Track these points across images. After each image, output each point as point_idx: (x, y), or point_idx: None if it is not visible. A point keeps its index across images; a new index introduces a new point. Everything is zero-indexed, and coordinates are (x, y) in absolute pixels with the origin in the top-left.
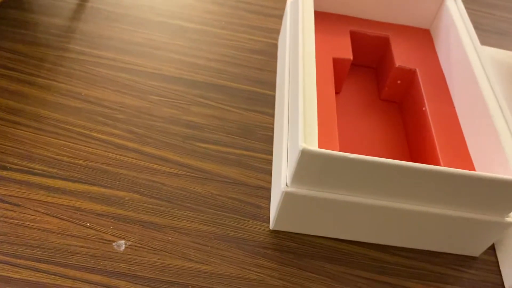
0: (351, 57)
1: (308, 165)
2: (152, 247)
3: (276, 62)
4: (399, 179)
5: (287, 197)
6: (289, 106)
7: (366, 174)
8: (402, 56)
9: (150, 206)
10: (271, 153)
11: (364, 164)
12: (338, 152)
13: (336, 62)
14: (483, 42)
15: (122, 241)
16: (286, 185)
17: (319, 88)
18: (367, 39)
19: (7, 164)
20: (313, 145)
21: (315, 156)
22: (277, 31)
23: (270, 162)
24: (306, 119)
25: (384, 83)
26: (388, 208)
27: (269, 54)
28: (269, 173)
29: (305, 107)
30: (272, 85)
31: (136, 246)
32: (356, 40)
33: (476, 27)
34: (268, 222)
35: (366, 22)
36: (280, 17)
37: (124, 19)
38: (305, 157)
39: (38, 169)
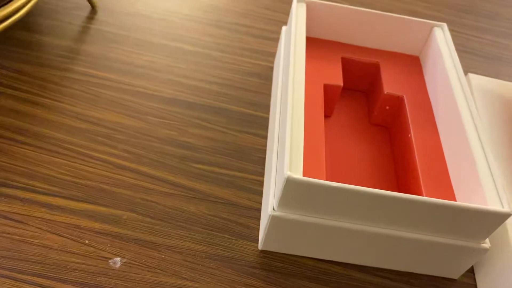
0: (342, 84)
1: (293, 191)
2: (146, 265)
3: (271, 84)
4: (380, 207)
5: (274, 220)
6: (279, 130)
7: (348, 201)
8: (391, 82)
9: (146, 224)
10: (262, 175)
11: (345, 192)
12: (321, 180)
13: (327, 88)
14: (473, 67)
15: (118, 259)
16: (273, 209)
17: (308, 114)
18: (358, 65)
19: (10, 182)
20: (298, 173)
21: (299, 184)
22: (272, 54)
23: (261, 183)
24: (293, 146)
25: (373, 108)
26: (369, 233)
27: (266, 77)
28: (260, 194)
29: (292, 134)
30: (266, 108)
31: (131, 263)
32: (348, 65)
33: (466, 51)
34: (257, 242)
35: (357, 48)
36: (276, 40)
37: (127, 41)
38: (290, 184)
39: (40, 187)
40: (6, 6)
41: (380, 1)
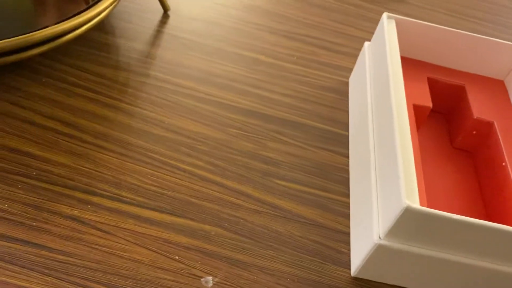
0: (431, 105)
1: (407, 221)
2: (238, 285)
3: (347, 100)
4: (497, 241)
5: (379, 249)
6: (374, 154)
7: (465, 234)
8: (479, 107)
9: (234, 242)
10: (347, 196)
11: (465, 225)
12: (441, 212)
13: (416, 109)
14: None
15: (210, 278)
16: (379, 237)
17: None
18: (443, 86)
19: (96, 190)
20: (415, 202)
21: (417, 214)
22: (346, 69)
23: (347, 205)
24: (406, 174)
25: (458, 132)
26: (479, 268)
27: (341, 93)
28: (347, 217)
29: (404, 162)
30: (344, 125)
31: (223, 283)
32: (432, 86)
33: None
34: (349, 268)
35: (441, 69)
36: (349, 54)
37: (201, 48)
38: (408, 214)
39: (126, 197)
40: (93, 8)
41: (443, 19)
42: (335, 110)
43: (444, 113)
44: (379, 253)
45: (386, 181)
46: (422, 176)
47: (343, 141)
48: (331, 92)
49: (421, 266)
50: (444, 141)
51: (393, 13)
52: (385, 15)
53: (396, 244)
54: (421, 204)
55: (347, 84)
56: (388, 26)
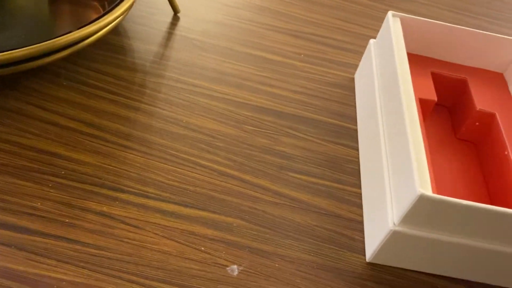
0: (435, 99)
1: (421, 208)
2: (262, 273)
3: (354, 96)
4: (502, 224)
5: (394, 235)
6: (385, 146)
7: (473, 218)
8: (481, 99)
9: (255, 233)
10: (359, 187)
11: (475, 210)
12: (454, 198)
13: (421, 103)
14: None
15: (235, 266)
16: (394, 224)
17: None
18: (446, 80)
19: (124, 187)
20: (428, 190)
21: (430, 201)
22: (352, 66)
23: (359, 195)
24: (419, 164)
25: (461, 124)
26: (486, 249)
27: (347, 88)
28: (360, 206)
29: (416, 153)
30: (353, 119)
31: (248, 271)
32: (436, 80)
33: None
34: (363, 254)
35: (444, 63)
36: (354, 51)
37: (212, 48)
38: (422, 201)
39: (152, 193)
40: (112, 12)
41: (446, 15)
42: (343, 105)
43: (447, 106)
44: (393, 239)
45: (399, 171)
46: (431, 166)
47: (353, 135)
48: (338, 88)
49: (433, 250)
50: (448, 133)
51: (396, 11)
52: (390, 13)
53: (410, 230)
54: (432, 192)
55: (353, 80)
56: (393, 24)
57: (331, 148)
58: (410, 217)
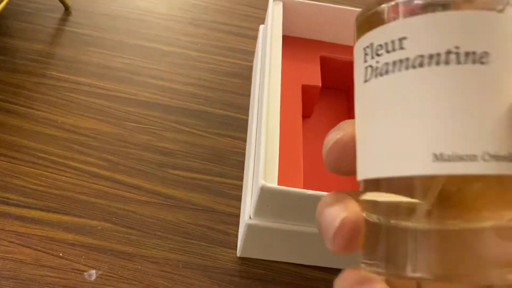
0: (320, 84)
1: (268, 200)
2: (122, 276)
3: (250, 85)
4: None
5: (250, 228)
6: (256, 135)
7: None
8: None
9: (121, 235)
10: (241, 179)
11: (319, 199)
12: (296, 188)
13: (305, 89)
14: None
15: (93, 271)
16: (250, 217)
17: (285, 116)
18: (338, 63)
19: None
20: (273, 181)
21: (274, 193)
22: (253, 53)
23: (240, 188)
24: (268, 152)
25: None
26: None
27: (246, 77)
28: (239, 199)
29: (267, 140)
30: (245, 109)
31: (106, 275)
32: (327, 64)
33: None
34: (236, 249)
35: (335, 46)
36: (256, 38)
37: (103, 43)
38: (265, 193)
39: (14, 199)
40: None
41: None
42: (237, 96)
43: (344, 90)
44: (251, 232)
45: (256, 163)
46: (301, 154)
47: (243, 126)
48: (235, 78)
49: (291, 240)
50: (344, 117)
51: None
52: None
53: (264, 223)
54: (291, 182)
55: (251, 68)
56: (274, 9)
57: (218, 140)
58: (260, 209)
